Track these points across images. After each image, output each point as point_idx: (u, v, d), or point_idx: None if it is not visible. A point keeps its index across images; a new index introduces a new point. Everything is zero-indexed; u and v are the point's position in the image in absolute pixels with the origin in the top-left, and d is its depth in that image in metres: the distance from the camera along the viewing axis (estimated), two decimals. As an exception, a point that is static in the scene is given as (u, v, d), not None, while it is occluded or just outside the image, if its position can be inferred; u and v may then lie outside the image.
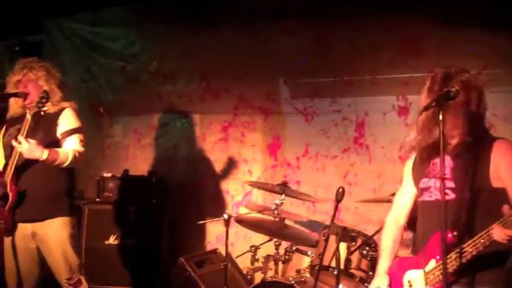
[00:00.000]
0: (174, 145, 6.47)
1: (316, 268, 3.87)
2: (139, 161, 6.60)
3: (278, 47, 5.60)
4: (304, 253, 4.45)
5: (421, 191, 2.86)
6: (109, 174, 6.06)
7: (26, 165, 3.98)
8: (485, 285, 2.55)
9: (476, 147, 2.66)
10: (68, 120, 4.11)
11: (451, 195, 2.63)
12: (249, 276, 4.72)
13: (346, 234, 3.82)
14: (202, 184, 6.25)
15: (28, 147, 3.83)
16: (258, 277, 4.72)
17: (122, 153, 6.71)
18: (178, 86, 6.32)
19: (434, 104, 2.49)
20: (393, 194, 4.37)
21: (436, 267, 2.54)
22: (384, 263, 2.97)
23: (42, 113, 3.87)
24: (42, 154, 3.89)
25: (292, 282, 4.02)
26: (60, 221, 4.12)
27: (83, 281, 4.18)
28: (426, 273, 2.60)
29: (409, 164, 3.06)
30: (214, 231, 6.16)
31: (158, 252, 5.84)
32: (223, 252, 5.62)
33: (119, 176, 6.06)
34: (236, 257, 5.03)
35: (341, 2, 4.79)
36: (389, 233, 3.08)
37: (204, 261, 5.41)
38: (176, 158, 6.43)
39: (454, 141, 2.68)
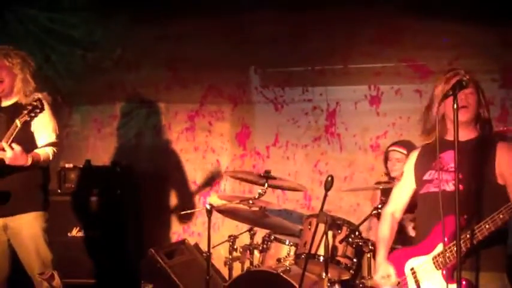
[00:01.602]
0: (137, 134, 6.32)
1: (303, 256, 3.87)
2: (101, 151, 6.41)
3: (250, 36, 5.57)
4: (283, 242, 4.44)
5: (424, 183, 2.90)
6: (70, 165, 5.84)
7: (-1, 161, 3.81)
8: (489, 270, 2.63)
9: (482, 145, 2.77)
10: (43, 116, 3.93)
11: (460, 186, 2.55)
12: (227, 266, 4.68)
13: (332, 223, 3.85)
14: (168, 174, 6.14)
15: (12, 156, 3.67)
16: (237, 267, 4.69)
17: (82, 144, 6.49)
18: (142, 74, 6.16)
19: (450, 93, 2.50)
20: (378, 183, 4.48)
21: (446, 250, 2.59)
22: (382, 252, 3.04)
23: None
24: (27, 161, 3.75)
25: (278, 271, 4.00)
26: (33, 216, 4.00)
27: (56, 276, 4.05)
28: (435, 257, 2.64)
29: (410, 161, 3.09)
30: (180, 222, 6.08)
31: (124, 243, 5.69)
32: (191, 242, 5.65)
33: (81, 166, 5.85)
34: (213, 247, 4.97)
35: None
36: (386, 224, 3.14)
37: (174, 252, 5.38)
38: (140, 148, 6.28)
39: (462, 138, 2.70)
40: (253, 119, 5.87)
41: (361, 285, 4.01)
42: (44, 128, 3.97)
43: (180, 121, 6.16)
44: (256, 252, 4.59)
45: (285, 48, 5.45)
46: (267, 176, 4.32)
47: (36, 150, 3.89)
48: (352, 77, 5.35)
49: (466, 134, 2.79)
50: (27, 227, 3.97)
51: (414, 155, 3.09)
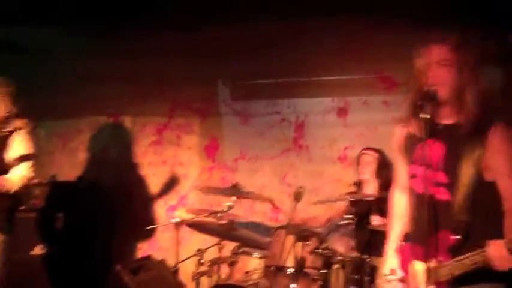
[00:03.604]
0: (103, 149, 6.21)
1: (272, 269, 3.84)
2: (66, 167, 6.29)
3: (217, 48, 5.52)
4: (251, 254, 4.39)
5: (410, 177, 2.57)
6: (35, 180, 5.69)
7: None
8: (485, 283, 2.34)
9: (473, 128, 2.35)
10: (21, 144, 3.85)
11: (445, 195, 2.39)
12: (195, 281, 4.60)
13: (301, 234, 3.84)
14: (135, 188, 6.05)
15: None
16: (205, 281, 4.62)
17: (47, 159, 6.34)
18: (109, 88, 6.06)
19: (420, 104, 2.32)
20: (348, 193, 4.48)
21: (437, 267, 2.33)
22: (394, 243, 2.71)
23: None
24: None
25: (248, 284, 3.95)
26: None
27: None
28: (427, 270, 2.40)
29: (396, 138, 2.69)
30: (146, 237, 5.98)
31: (89, 260, 5.57)
32: (158, 258, 5.56)
33: (45, 182, 5.72)
34: (181, 262, 4.90)
35: (282, 3, 4.78)
36: (397, 210, 2.76)
37: (140, 268, 5.26)
38: (106, 162, 6.17)
39: (447, 121, 2.43)
40: (221, 132, 5.84)
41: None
42: (19, 158, 3.86)
43: (147, 135, 6.09)
44: (225, 266, 4.53)
45: (253, 61, 5.43)
46: (235, 188, 4.28)
47: (4, 177, 3.79)
48: (319, 89, 5.36)
49: (449, 115, 2.42)
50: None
51: (398, 135, 2.68)
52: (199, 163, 5.95)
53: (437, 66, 2.38)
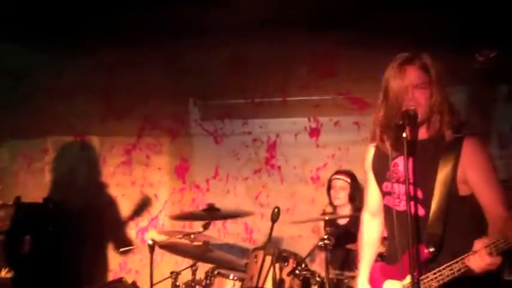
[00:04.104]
0: (70, 169, 6.10)
1: (250, 291, 3.82)
2: (31, 188, 6.15)
3: (188, 67, 5.52)
4: (226, 276, 4.35)
5: (384, 195, 2.60)
6: (-1, 202, 5.55)
7: None
8: None
9: (445, 144, 2.40)
10: None
11: (420, 211, 2.40)
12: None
13: (279, 255, 3.83)
14: (104, 210, 5.94)
15: None
16: (179, 304, 4.54)
17: (11, 180, 6.18)
18: (76, 106, 5.98)
19: (400, 123, 2.30)
20: (324, 213, 4.49)
21: (412, 284, 2.32)
22: (365, 272, 2.74)
23: None
24: None
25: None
26: None
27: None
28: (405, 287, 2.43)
29: (367, 160, 2.72)
30: (116, 259, 5.89)
31: (58, 283, 5.43)
32: (129, 281, 5.44)
33: (10, 203, 5.56)
34: (155, 284, 4.80)
35: (254, 23, 4.81)
36: (364, 229, 2.80)
37: (111, 291, 5.16)
38: (73, 183, 6.07)
39: (419, 137, 2.45)
40: (192, 152, 5.81)
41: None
42: None
43: (116, 154, 6.01)
44: (199, 288, 4.46)
45: (225, 81, 5.45)
46: (210, 209, 4.23)
47: None
48: (291, 109, 5.40)
49: (423, 132, 2.45)
50: None
51: (370, 154, 2.71)
52: (169, 184, 5.89)
53: (413, 89, 2.42)
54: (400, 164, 2.43)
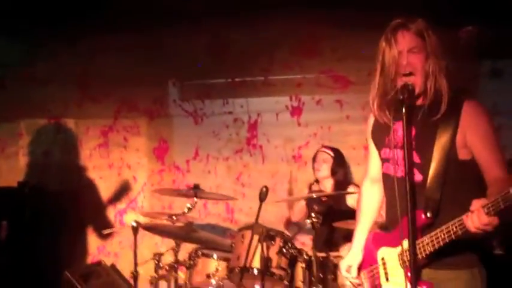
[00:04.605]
0: (46, 152, 5.96)
1: (237, 270, 3.79)
2: (5, 172, 5.99)
3: (167, 47, 5.41)
4: (210, 257, 4.31)
5: (383, 162, 2.58)
6: (-27, 188, 5.41)
7: None
8: (456, 268, 2.37)
9: (444, 108, 2.35)
10: None
11: (418, 176, 2.37)
12: (152, 286, 4.47)
13: (267, 234, 3.80)
14: (81, 193, 5.83)
15: None
16: (163, 285, 4.50)
17: (-18, 165, 6.02)
18: (52, 89, 5.81)
19: (400, 97, 2.27)
20: (311, 192, 4.47)
21: (408, 250, 2.25)
22: (360, 238, 2.73)
23: None
24: None
25: (210, 286, 3.88)
26: None
27: None
28: (400, 254, 2.41)
29: (369, 125, 2.70)
30: (95, 243, 5.80)
31: (37, 267, 5.33)
32: (108, 264, 5.38)
33: (-16, 189, 5.43)
34: (138, 266, 4.75)
35: (236, 3, 4.73)
36: (366, 203, 2.78)
37: (90, 274, 5.09)
38: (49, 167, 5.93)
39: (418, 103, 2.42)
40: (171, 133, 5.72)
41: (294, 296, 3.97)
42: None
43: (92, 137, 5.89)
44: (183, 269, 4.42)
45: (205, 60, 5.35)
46: (195, 189, 4.18)
47: None
48: (273, 88, 5.34)
49: (421, 98, 2.42)
50: None
51: (370, 122, 2.69)
52: (148, 165, 5.80)
53: (407, 53, 2.38)
54: (399, 130, 2.38)
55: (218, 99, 5.51)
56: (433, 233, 2.28)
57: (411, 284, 2.23)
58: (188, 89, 5.61)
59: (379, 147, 2.62)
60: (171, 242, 4.48)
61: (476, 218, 2.09)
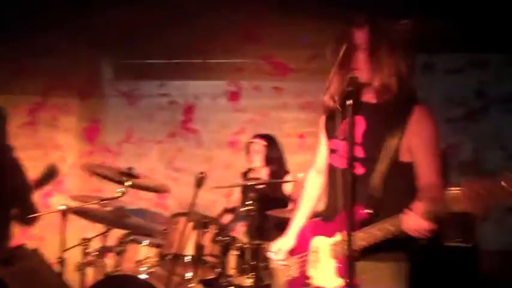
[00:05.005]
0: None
1: (169, 257, 3.70)
2: None
3: (102, 25, 5.18)
4: (141, 243, 4.19)
5: (330, 153, 2.59)
6: None
7: None
8: (387, 261, 2.39)
9: (395, 108, 2.38)
10: None
11: (360, 170, 2.40)
12: (79, 272, 4.30)
13: (200, 221, 3.74)
14: (5, 173, 5.52)
15: None
16: (90, 272, 4.33)
17: None
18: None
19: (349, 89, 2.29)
20: (247, 179, 4.40)
21: (342, 241, 2.32)
22: (296, 225, 2.73)
23: None
24: None
25: (142, 274, 3.76)
26: None
27: None
28: (332, 245, 2.44)
29: (322, 120, 2.71)
30: (18, 226, 5.52)
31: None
32: (32, 247, 5.15)
33: None
34: (64, 251, 4.55)
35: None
36: (308, 192, 2.80)
37: (11, 258, 4.84)
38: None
39: (370, 100, 2.45)
40: (104, 114, 5.54)
41: (226, 284, 3.91)
42: None
43: (19, 115, 5.59)
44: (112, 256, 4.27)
45: (142, 40, 5.17)
46: (129, 173, 4.03)
47: None
48: (211, 71, 5.26)
49: (373, 96, 2.43)
50: None
51: (327, 109, 2.63)
52: (77, 146, 5.60)
53: (358, 50, 2.40)
54: (349, 124, 2.35)
55: (154, 80, 5.37)
56: (369, 229, 2.29)
57: (341, 274, 2.30)
58: (123, 69, 5.45)
59: (329, 137, 2.62)
60: (99, 227, 4.32)
61: (415, 221, 2.14)
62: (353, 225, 2.25)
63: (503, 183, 1.96)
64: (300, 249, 2.65)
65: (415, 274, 2.46)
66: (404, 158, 2.38)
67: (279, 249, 2.72)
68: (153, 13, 4.88)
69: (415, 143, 2.36)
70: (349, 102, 2.31)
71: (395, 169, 2.36)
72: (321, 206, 2.80)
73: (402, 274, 2.42)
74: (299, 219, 2.76)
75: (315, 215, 2.87)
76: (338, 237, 2.39)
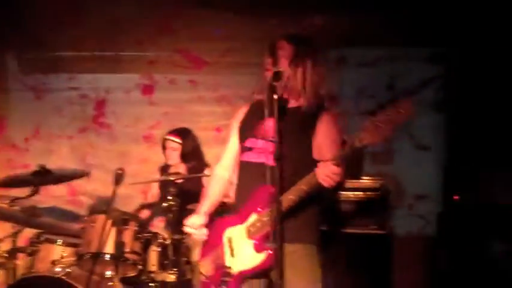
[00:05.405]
0: None
1: (87, 256, 3.59)
2: None
3: (5, 16, 4.89)
4: (54, 242, 4.03)
5: (244, 150, 2.82)
6: None
7: None
8: (298, 242, 2.62)
9: (306, 113, 2.70)
10: None
11: (271, 161, 2.52)
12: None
13: (120, 218, 3.66)
14: None
15: None
16: (0, 274, 4.12)
17: None
18: None
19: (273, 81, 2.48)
20: (168, 174, 4.33)
21: (257, 220, 2.58)
22: (205, 205, 2.93)
23: None
24: None
25: (59, 274, 3.62)
26: None
27: None
28: (247, 227, 2.62)
29: (237, 118, 2.94)
30: None
31: None
32: None
33: None
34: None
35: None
36: (216, 184, 3.01)
37: None
38: None
39: (290, 104, 2.72)
40: (9, 109, 5.27)
41: (148, 281, 3.86)
42: None
43: None
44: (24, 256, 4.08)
45: (50, 32, 4.94)
46: (42, 170, 3.85)
47: None
48: (124, 64, 5.13)
49: (293, 100, 2.74)
50: None
51: (242, 112, 2.94)
52: (-21, 144, 5.27)
53: (281, 57, 2.69)
54: (270, 124, 2.55)
55: (63, 73, 5.17)
56: (285, 194, 2.48)
57: (260, 248, 2.54)
58: (30, 62, 5.18)
59: (245, 136, 2.83)
60: (7, 227, 4.11)
61: (327, 167, 2.39)
62: (263, 205, 2.54)
63: (401, 110, 2.22)
64: (213, 247, 2.79)
65: (329, 260, 2.63)
66: (315, 155, 2.66)
67: (192, 223, 2.85)
68: (61, 2, 4.66)
69: (322, 144, 2.66)
70: (275, 96, 2.46)
71: (308, 164, 2.55)
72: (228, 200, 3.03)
73: (314, 256, 2.68)
74: (207, 203, 2.95)
75: (223, 211, 3.05)
76: (251, 218, 2.61)
